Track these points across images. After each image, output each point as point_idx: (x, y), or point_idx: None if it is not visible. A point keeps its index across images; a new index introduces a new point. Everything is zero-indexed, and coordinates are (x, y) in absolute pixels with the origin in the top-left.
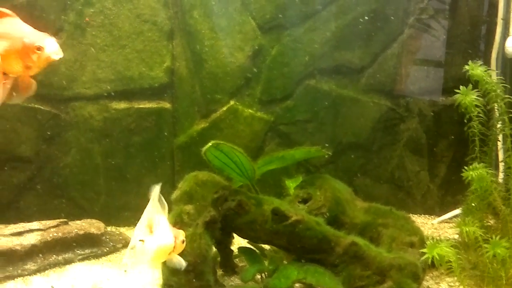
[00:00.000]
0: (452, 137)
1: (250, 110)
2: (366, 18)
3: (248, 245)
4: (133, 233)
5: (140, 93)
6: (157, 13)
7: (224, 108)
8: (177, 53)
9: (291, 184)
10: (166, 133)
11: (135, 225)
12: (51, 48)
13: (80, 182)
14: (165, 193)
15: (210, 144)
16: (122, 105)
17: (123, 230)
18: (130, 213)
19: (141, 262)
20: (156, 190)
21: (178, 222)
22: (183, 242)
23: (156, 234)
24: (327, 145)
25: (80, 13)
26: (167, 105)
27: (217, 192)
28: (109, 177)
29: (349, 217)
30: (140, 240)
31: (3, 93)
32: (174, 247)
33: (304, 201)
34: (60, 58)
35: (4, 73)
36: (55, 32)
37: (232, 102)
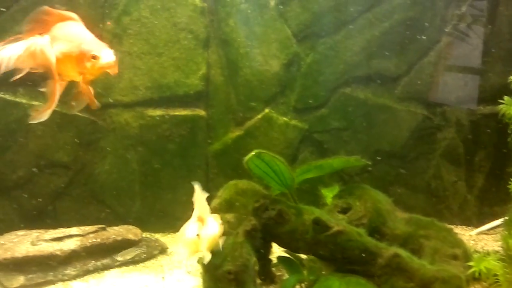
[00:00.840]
0: (490, 147)
1: (284, 118)
2: (403, 26)
3: (286, 254)
4: (185, 228)
5: (176, 101)
6: (193, 22)
7: (259, 116)
8: (213, 61)
9: (327, 193)
10: (200, 141)
11: (170, 231)
12: (106, 59)
13: (116, 188)
14: None
15: (252, 153)
16: (158, 112)
17: (157, 236)
18: (164, 219)
19: (196, 253)
20: (198, 188)
21: None
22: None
23: (209, 226)
24: (362, 154)
25: (118, 22)
26: (202, 112)
27: (257, 201)
28: (144, 183)
29: (390, 228)
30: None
31: (58, 92)
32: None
33: (343, 211)
34: (115, 73)
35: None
36: None
37: (266, 110)
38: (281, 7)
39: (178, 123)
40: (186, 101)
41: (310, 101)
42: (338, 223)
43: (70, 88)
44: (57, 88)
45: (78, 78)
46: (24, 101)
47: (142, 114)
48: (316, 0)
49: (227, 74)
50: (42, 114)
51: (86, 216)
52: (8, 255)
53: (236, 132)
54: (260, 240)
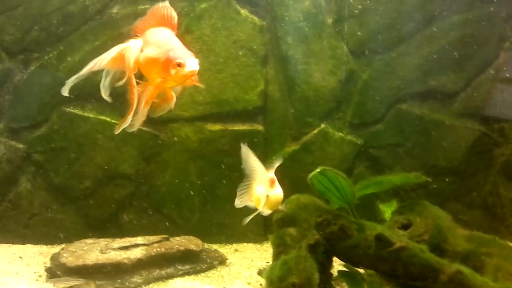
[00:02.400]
0: None
1: (340, 133)
2: (460, 42)
3: (345, 269)
4: (256, 189)
5: (234, 116)
6: (252, 39)
7: (315, 131)
8: (270, 77)
9: (385, 209)
10: (258, 155)
11: (228, 242)
12: (191, 67)
13: (176, 199)
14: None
15: (317, 170)
16: (217, 127)
17: (215, 247)
18: (222, 231)
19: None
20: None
21: (281, 244)
22: None
23: (277, 188)
24: (417, 170)
25: (181, 40)
26: (259, 127)
27: (320, 215)
28: (203, 195)
29: (451, 245)
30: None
31: (135, 97)
32: None
33: (404, 227)
34: (195, 84)
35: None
36: None
37: (323, 125)
38: (338, 24)
39: (236, 138)
40: (244, 116)
41: (366, 117)
42: (400, 239)
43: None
44: (135, 93)
45: (161, 84)
46: (91, 115)
47: (202, 129)
48: (373, 17)
49: (284, 90)
50: (124, 122)
51: (148, 226)
52: (79, 262)
53: (293, 147)
54: (322, 254)
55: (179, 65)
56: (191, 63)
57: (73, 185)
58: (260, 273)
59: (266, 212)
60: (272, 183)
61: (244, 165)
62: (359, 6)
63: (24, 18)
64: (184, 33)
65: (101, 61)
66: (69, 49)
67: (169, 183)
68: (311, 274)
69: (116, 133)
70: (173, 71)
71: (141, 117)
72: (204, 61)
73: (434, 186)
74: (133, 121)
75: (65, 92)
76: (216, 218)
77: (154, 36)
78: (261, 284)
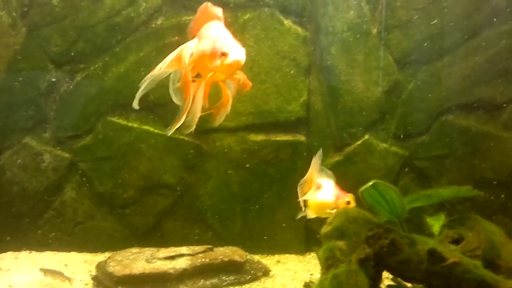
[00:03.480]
0: None
1: (384, 145)
2: (509, 52)
3: (393, 283)
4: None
5: (277, 126)
6: (296, 50)
7: (359, 142)
8: (313, 87)
9: (433, 223)
10: (300, 165)
11: (269, 253)
12: (234, 56)
13: (218, 210)
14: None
15: (369, 183)
16: (260, 137)
17: (256, 258)
18: (263, 241)
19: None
20: (319, 155)
21: (330, 257)
22: (348, 203)
23: (322, 192)
24: (464, 182)
25: None
26: (302, 138)
27: (371, 229)
28: (245, 206)
29: (505, 261)
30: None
31: (190, 95)
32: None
33: (454, 241)
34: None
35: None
36: None
37: (366, 136)
38: (383, 34)
39: (279, 148)
40: (287, 126)
41: (411, 128)
42: (453, 254)
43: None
44: (190, 90)
45: (211, 77)
46: (135, 125)
47: (244, 139)
48: (419, 27)
49: (327, 101)
50: (179, 122)
51: (189, 236)
52: (126, 271)
53: (335, 158)
54: (373, 268)
55: (223, 54)
56: (235, 52)
57: (116, 194)
58: (307, 286)
59: (311, 215)
60: (317, 187)
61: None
62: (404, 16)
63: (71, 30)
64: None
65: (163, 65)
66: (114, 60)
67: (211, 193)
68: None
69: (169, 134)
70: (218, 61)
71: (195, 116)
72: (247, 71)
73: (482, 199)
74: (188, 122)
75: (136, 105)
76: (258, 228)
77: (204, 30)
78: None
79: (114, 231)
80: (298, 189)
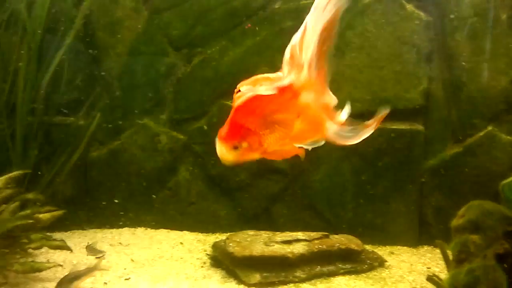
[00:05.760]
0: None
1: (509, 137)
2: None
3: None
4: None
5: (394, 114)
6: (417, 36)
7: (481, 133)
8: (434, 75)
9: None
10: (417, 155)
11: (380, 244)
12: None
13: (328, 197)
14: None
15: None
16: None
17: (367, 247)
18: (375, 231)
19: None
20: None
21: (463, 251)
22: None
23: None
24: None
25: (342, 36)
26: (420, 127)
27: (510, 224)
28: (356, 195)
29: None
30: None
31: None
32: None
33: None
34: None
35: None
36: None
37: (490, 128)
38: None
39: (396, 137)
40: (404, 115)
41: None
42: None
43: None
44: None
45: None
46: None
47: None
48: None
49: (449, 89)
50: None
51: (299, 222)
52: (246, 252)
53: (455, 149)
54: (510, 264)
55: None
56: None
57: (228, 177)
58: (430, 279)
59: None
60: None
61: None
62: None
63: (190, 13)
64: (346, 29)
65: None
66: (231, 43)
67: (322, 180)
68: (501, 285)
69: None
70: None
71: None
72: (365, 57)
73: None
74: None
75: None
76: (369, 218)
77: None
78: None
79: (225, 213)
80: None
